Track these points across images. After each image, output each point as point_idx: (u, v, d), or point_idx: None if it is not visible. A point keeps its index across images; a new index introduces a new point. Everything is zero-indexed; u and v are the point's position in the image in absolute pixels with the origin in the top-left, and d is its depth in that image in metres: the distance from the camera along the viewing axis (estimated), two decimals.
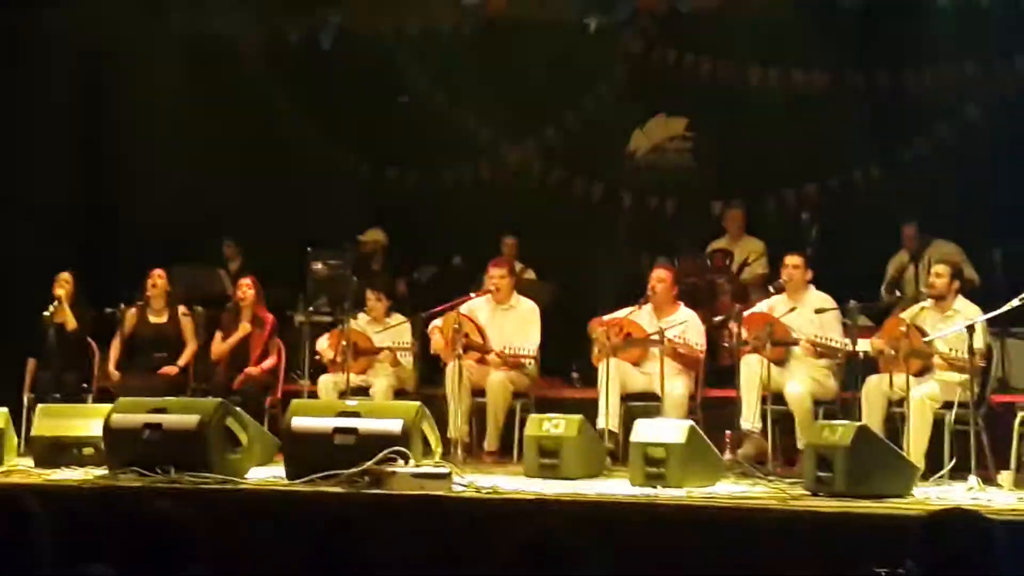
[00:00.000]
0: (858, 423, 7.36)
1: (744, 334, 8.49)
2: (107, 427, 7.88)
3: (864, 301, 8.76)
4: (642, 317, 8.96)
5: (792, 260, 8.83)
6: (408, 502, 6.89)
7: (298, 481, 7.37)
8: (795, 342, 8.40)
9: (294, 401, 8.32)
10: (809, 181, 11.37)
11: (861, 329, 8.56)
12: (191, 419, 7.73)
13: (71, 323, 9.83)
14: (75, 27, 11.55)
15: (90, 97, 11.76)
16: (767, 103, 11.50)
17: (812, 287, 8.81)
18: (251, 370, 9.60)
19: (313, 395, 9.29)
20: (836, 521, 6.35)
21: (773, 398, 8.21)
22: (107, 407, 8.21)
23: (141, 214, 11.93)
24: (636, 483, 7.43)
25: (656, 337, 8.58)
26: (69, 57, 11.58)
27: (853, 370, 8.30)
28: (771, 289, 9.06)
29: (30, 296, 10.13)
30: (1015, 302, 7.94)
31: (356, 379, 9.17)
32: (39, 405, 8.97)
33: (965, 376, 7.69)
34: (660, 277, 9.05)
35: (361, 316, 9.59)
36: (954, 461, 7.69)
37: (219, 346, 9.79)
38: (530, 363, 9.17)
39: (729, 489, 7.36)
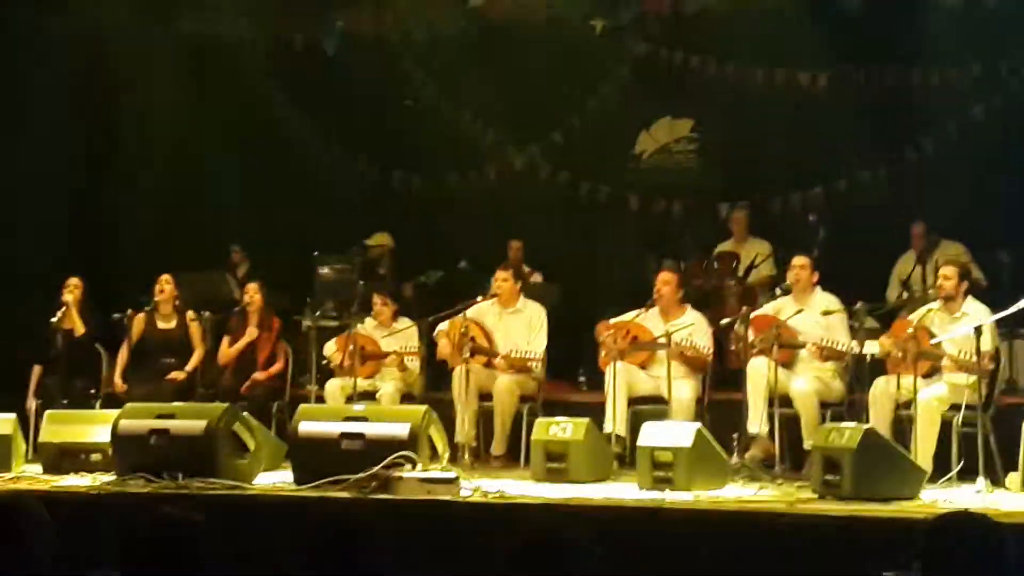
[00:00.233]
0: (865, 425, 7.34)
1: (751, 336, 8.48)
2: (115, 433, 7.89)
3: (871, 303, 8.74)
4: (649, 320, 8.96)
5: (799, 262, 8.82)
6: (415, 507, 6.89)
7: (305, 486, 7.37)
8: (802, 345, 8.38)
9: (301, 406, 8.33)
10: (815, 183, 11.37)
11: (868, 331, 8.55)
12: (198, 424, 7.74)
13: (79, 328, 9.85)
14: (79, 31, 11.56)
15: (96, 102, 11.77)
16: (773, 105, 11.51)
17: (819, 289, 8.79)
18: (258, 375, 9.61)
19: (320, 400, 9.30)
20: (843, 524, 6.34)
21: (780, 401, 8.19)
22: (115, 413, 8.22)
23: (148, 220, 11.97)
24: (643, 487, 7.43)
25: (663, 340, 8.57)
26: (74, 61, 11.58)
27: (860, 372, 8.28)
28: (778, 291, 9.05)
29: (38, 302, 10.15)
30: (1023, 303, 7.93)
31: (363, 384, 9.17)
32: (47, 411, 8.98)
33: (973, 378, 7.66)
34: (666, 280, 9.04)
35: (368, 320, 9.59)
36: (962, 463, 7.67)
37: (226, 351, 9.80)
38: (537, 366, 9.16)
39: (736, 492, 7.35)
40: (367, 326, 9.56)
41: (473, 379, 8.84)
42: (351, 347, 9.13)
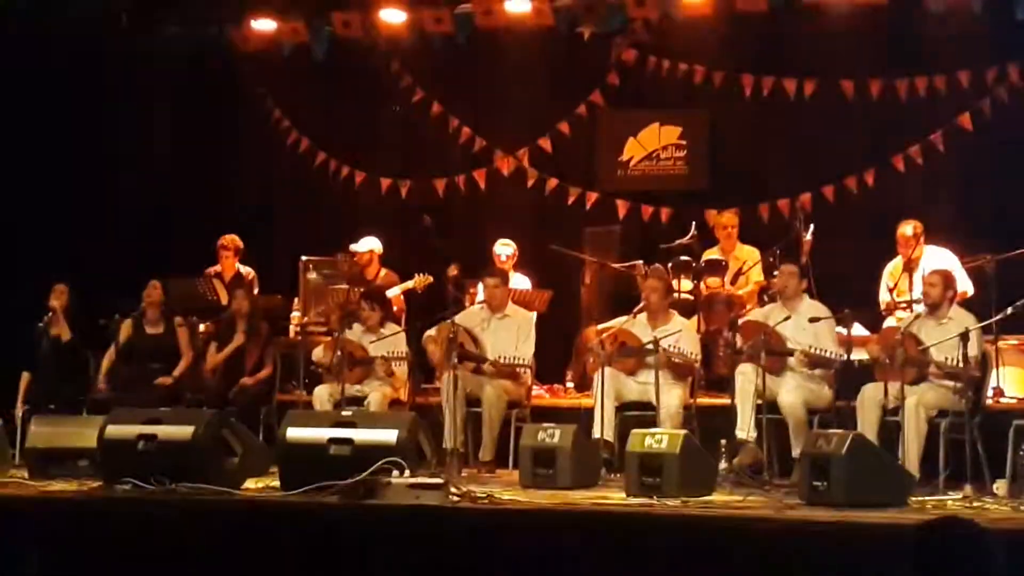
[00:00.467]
0: (853, 432, 7.36)
1: (739, 343, 8.49)
2: (102, 438, 7.88)
3: (858, 309, 8.76)
4: (637, 326, 8.97)
5: (787, 268, 8.84)
6: (403, 512, 6.89)
7: (293, 491, 7.36)
8: (790, 352, 8.40)
9: (289, 411, 8.32)
10: (803, 189, 11.38)
11: (856, 338, 8.57)
12: (186, 430, 7.74)
13: (66, 334, 9.84)
14: (70, 35, 11.55)
15: (84, 106, 11.75)
16: (761, 112, 11.53)
17: (806, 296, 8.82)
18: (246, 380, 9.60)
19: (308, 405, 9.29)
20: (831, 530, 6.34)
21: (768, 407, 8.21)
22: (102, 418, 8.21)
23: (134, 225, 11.95)
24: (631, 493, 7.44)
25: (651, 346, 8.58)
26: (63, 65, 11.58)
27: (848, 379, 8.30)
28: (765, 298, 9.06)
29: (25, 307, 10.13)
30: (1009, 310, 7.97)
31: (351, 389, 9.16)
32: (34, 416, 8.97)
33: (960, 384, 7.69)
34: (654, 286, 9.06)
35: (356, 326, 9.58)
36: (949, 470, 7.70)
37: (214, 357, 9.79)
38: (525, 372, 9.17)
39: (724, 498, 7.36)
40: (355, 332, 9.55)
41: (461, 385, 8.84)
42: (339, 353, 9.12)
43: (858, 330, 8.92)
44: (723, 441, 8.26)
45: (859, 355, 8.30)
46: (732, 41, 11.49)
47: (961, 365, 7.58)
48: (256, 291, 10.67)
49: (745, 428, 8.29)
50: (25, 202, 11.37)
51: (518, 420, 8.91)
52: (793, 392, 8.35)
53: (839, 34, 11.06)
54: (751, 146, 11.71)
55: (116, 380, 9.74)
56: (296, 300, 11.26)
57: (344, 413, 8.12)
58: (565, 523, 6.68)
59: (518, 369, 9.09)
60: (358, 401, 9.15)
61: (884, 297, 9.77)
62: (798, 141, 11.40)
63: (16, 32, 11.19)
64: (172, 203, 12.14)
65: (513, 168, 12.28)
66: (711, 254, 10.83)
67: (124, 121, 12.04)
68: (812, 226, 10.08)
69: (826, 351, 8.30)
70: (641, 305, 9.01)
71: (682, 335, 8.83)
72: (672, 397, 8.56)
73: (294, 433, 7.75)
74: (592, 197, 12.07)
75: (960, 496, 7.30)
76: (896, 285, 9.79)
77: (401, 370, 9.32)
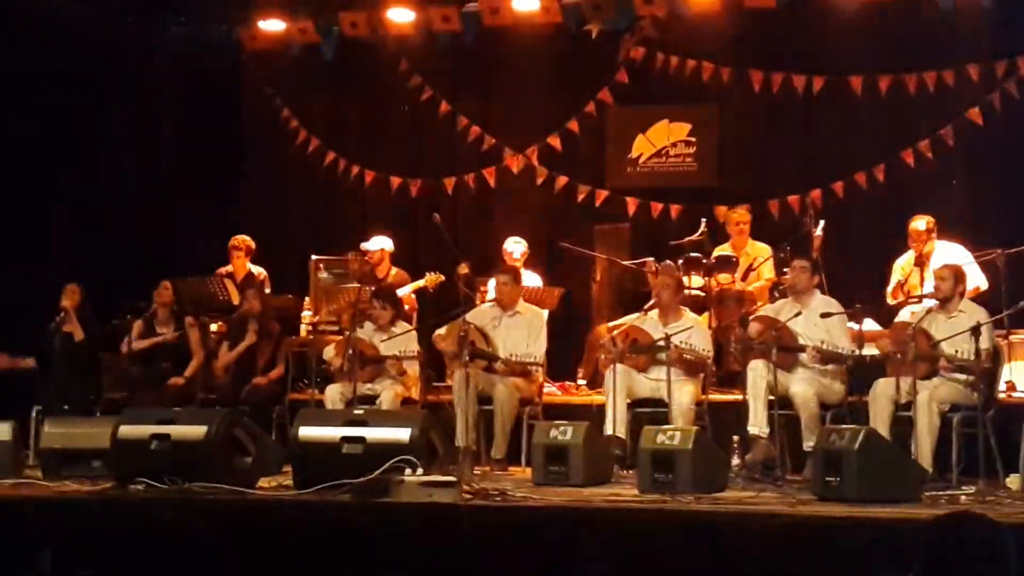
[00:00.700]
0: (865, 427, 7.36)
1: (750, 337, 8.48)
2: (115, 438, 7.89)
3: (870, 304, 8.76)
4: (648, 323, 8.97)
5: (798, 264, 8.83)
6: (416, 511, 6.90)
7: (306, 490, 7.38)
8: (802, 348, 8.39)
9: (301, 410, 8.33)
10: (813, 185, 11.38)
11: (867, 333, 8.56)
12: (199, 430, 7.75)
13: (78, 334, 9.86)
14: (72, 34, 11.58)
15: (91, 105, 11.77)
16: (770, 108, 11.52)
17: (818, 291, 8.81)
18: (258, 380, 9.61)
19: (320, 404, 9.30)
20: (844, 526, 6.33)
21: (780, 403, 8.21)
22: (115, 419, 8.23)
23: (144, 226, 11.97)
24: (644, 489, 7.44)
25: (662, 343, 8.58)
26: (71, 66, 11.60)
27: (860, 374, 8.29)
28: (776, 294, 9.05)
29: (38, 308, 10.16)
30: (1021, 304, 7.97)
31: (363, 388, 9.16)
32: (47, 417, 8.99)
33: (972, 378, 7.69)
34: (665, 283, 9.06)
35: (367, 325, 9.59)
36: (962, 464, 7.69)
37: (225, 356, 9.80)
38: (537, 370, 9.17)
39: (737, 495, 7.36)
40: (366, 330, 9.56)
41: (473, 383, 8.84)
42: (350, 351, 9.13)
43: (869, 325, 8.92)
44: (735, 437, 8.26)
45: (871, 350, 8.29)
46: (741, 37, 11.49)
47: (973, 359, 7.56)
48: (267, 291, 10.69)
49: (757, 424, 8.29)
50: (34, 204, 11.39)
51: (530, 418, 8.91)
52: (806, 387, 8.34)
53: (848, 30, 11.07)
54: (760, 142, 11.70)
55: (128, 381, 9.76)
56: (307, 299, 11.28)
57: (356, 412, 8.13)
58: (578, 520, 6.68)
59: (530, 367, 9.09)
60: (370, 400, 9.16)
61: (891, 293, 9.77)
62: (808, 137, 11.39)
63: (19, 33, 11.21)
64: (182, 204, 12.15)
65: (522, 166, 12.28)
66: (722, 250, 10.83)
67: (133, 121, 12.07)
68: (822, 222, 10.08)
69: (839, 347, 8.29)
70: (652, 302, 9.01)
71: (693, 331, 8.83)
72: (684, 394, 8.56)
73: (306, 432, 7.76)
74: (602, 194, 12.07)
75: (973, 491, 7.29)
76: (907, 280, 9.78)
77: (413, 368, 9.33)
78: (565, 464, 7.86)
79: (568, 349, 10.35)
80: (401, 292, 10.44)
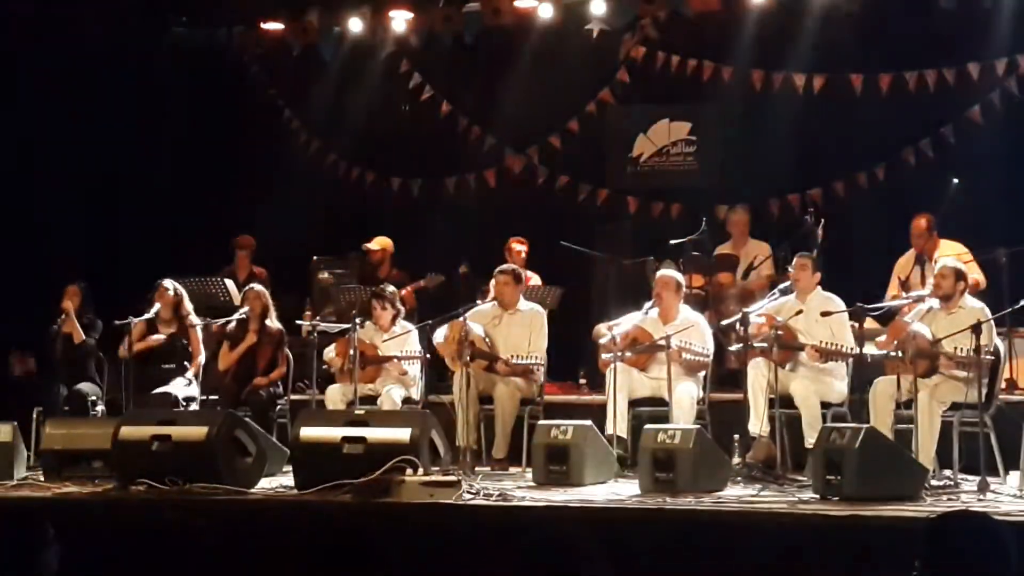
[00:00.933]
0: (866, 425, 7.36)
1: (751, 335, 8.47)
2: (116, 439, 7.90)
3: (871, 303, 8.75)
4: (648, 322, 8.96)
5: (800, 262, 8.83)
6: (417, 511, 6.90)
7: (307, 491, 7.38)
8: (801, 347, 8.38)
9: (302, 411, 8.33)
10: (813, 184, 11.37)
11: (868, 331, 8.56)
12: (200, 431, 7.76)
13: (78, 335, 9.85)
14: (72, 35, 11.58)
15: (92, 106, 11.77)
16: (770, 107, 11.52)
17: (820, 289, 8.81)
18: (259, 380, 9.61)
19: (321, 405, 9.30)
20: (845, 524, 6.34)
21: (781, 402, 8.20)
22: (116, 420, 8.23)
23: (146, 227, 11.98)
24: (645, 489, 7.44)
25: (663, 342, 8.58)
26: (68, 65, 11.61)
27: (860, 372, 8.29)
28: (776, 292, 9.05)
29: (39, 309, 10.16)
30: (1022, 302, 7.96)
31: (364, 388, 9.17)
32: (48, 418, 9.00)
33: (972, 375, 7.68)
34: (665, 282, 9.05)
35: (368, 325, 9.59)
36: (963, 463, 7.69)
37: (227, 357, 9.79)
38: (538, 369, 9.17)
39: (738, 493, 7.36)
40: (367, 331, 9.56)
41: (474, 383, 8.84)
42: (351, 352, 9.13)
43: (870, 324, 8.91)
44: (736, 436, 8.26)
45: (871, 349, 8.28)
46: (741, 36, 11.47)
47: (973, 357, 7.55)
48: (268, 291, 10.68)
49: (758, 423, 8.29)
50: (35, 203, 11.40)
51: (531, 417, 8.91)
52: (807, 386, 8.34)
53: (848, 29, 11.05)
54: (761, 141, 11.69)
55: (129, 382, 9.75)
56: (308, 300, 11.27)
57: (357, 412, 8.13)
58: (579, 520, 6.68)
59: (531, 367, 9.08)
60: (371, 400, 9.17)
61: (892, 291, 9.76)
62: (808, 136, 11.37)
63: (23, 32, 11.22)
64: (183, 205, 12.16)
65: (523, 166, 12.29)
66: (723, 249, 10.83)
67: (134, 122, 12.05)
68: (823, 221, 10.07)
69: (841, 345, 8.28)
70: (653, 301, 9.00)
71: (694, 331, 8.82)
72: (684, 393, 8.56)
73: (307, 432, 7.77)
74: (602, 194, 12.07)
75: (974, 489, 7.29)
76: (908, 279, 9.77)
77: (414, 369, 9.32)
78: (566, 464, 7.86)
79: (568, 349, 10.34)
80: (401, 292, 10.44)
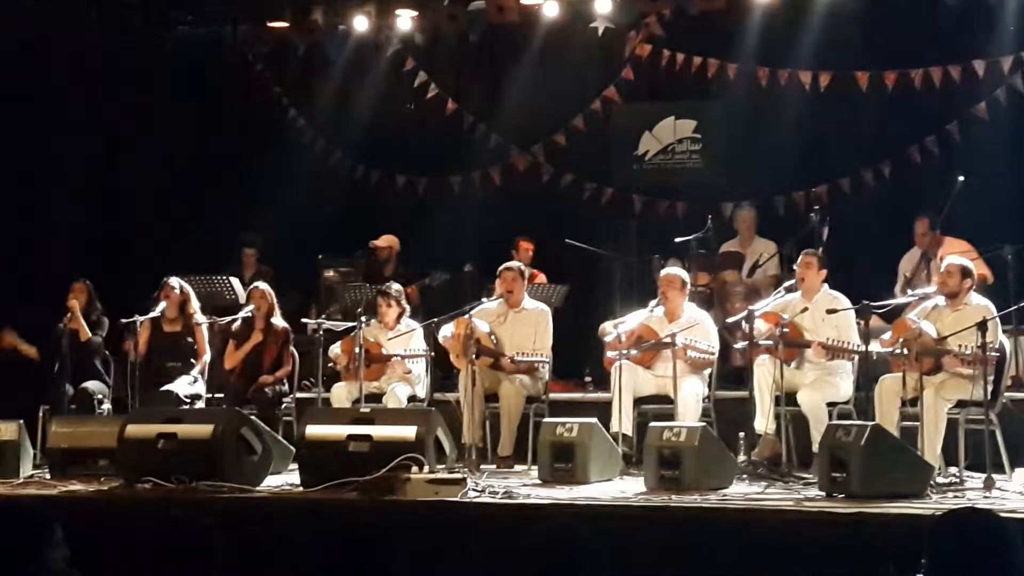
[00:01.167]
0: (872, 423, 7.35)
1: (757, 333, 8.46)
2: (122, 437, 7.91)
3: (877, 300, 8.75)
4: (654, 320, 8.96)
5: (806, 258, 8.81)
6: (423, 508, 6.91)
7: (313, 489, 7.39)
8: (807, 344, 8.37)
9: (308, 409, 8.34)
10: (819, 181, 11.37)
11: (874, 329, 8.55)
12: (206, 429, 7.77)
13: (84, 333, 9.85)
14: (77, 34, 11.58)
15: (97, 105, 11.78)
16: (776, 104, 11.50)
17: (826, 286, 8.79)
18: (265, 379, 9.60)
19: (327, 403, 9.31)
20: (851, 522, 6.34)
21: (787, 399, 8.20)
22: (122, 418, 8.23)
23: (152, 225, 11.99)
24: (650, 486, 7.44)
25: (668, 340, 8.57)
26: (71, 64, 11.61)
27: (866, 370, 8.28)
28: (782, 290, 9.05)
29: (45, 306, 10.16)
30: None
31: (369, 386, 9.18)
32: (54, 416, 9.01)
33: (978, 374, 7.67)
34: (671, 280, 9.05)
35: (373, 323, 9.60)
36: (968, 460, 7.68)
37: (232, 355, 9.80)
38: (543, 367, 9.17)
39: (743, 491, 7.36)
40: (372, 329, 9.56)
41: (479, 380, 8.84)
42: (357, 350, 9.14)
43: (876, 321, 8.90)
44: (741, 434, 8.26)
45: (877, 346, 8.28)
46: (747, 34, 11.46)
47: (979, 354, 7.54)
48: (274, 289, 10.69)
49: (764, 420, 8.29)
50: (39, 203, 11.41)
51: (536, 415, 8.91)
52: (812, 389, 8.32)
53: (853, 26, 11.04)
54: (766, 139, 11.67)
55: (135, 380, 9.76)
56: (314, 298, 11.28)
57: (363, 410, 8.14)
58: (585, 517, 6.68)
59: (536, 365, 9.09)
60: (376, 398, 9.18)
61: (898, 289, 9.76)
62: (814, 133, 11.36)
63: (24, 32, 11.23)
64: (190, 203, 12.16)
65: (528, 164, 12.29)
66: (728, 247, 10.82)
67: (139, 121, 12.07)
68: (828, 218, 10.06)
69: (848, 342, 8.27)
70: (658, 299, 9.00)
71: (699, 328, 8.82)
72: (690, 390, 8.55)
73: (313, 430, 7.78)
74: (607, 192, 12.07)
75: (979, 486, 7.28)
76: (912, 276, 9.77)
77: (419, 366, 9.33)
78: (571, 461, 7.86)
79: (573, 346, 10.34)
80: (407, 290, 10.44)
